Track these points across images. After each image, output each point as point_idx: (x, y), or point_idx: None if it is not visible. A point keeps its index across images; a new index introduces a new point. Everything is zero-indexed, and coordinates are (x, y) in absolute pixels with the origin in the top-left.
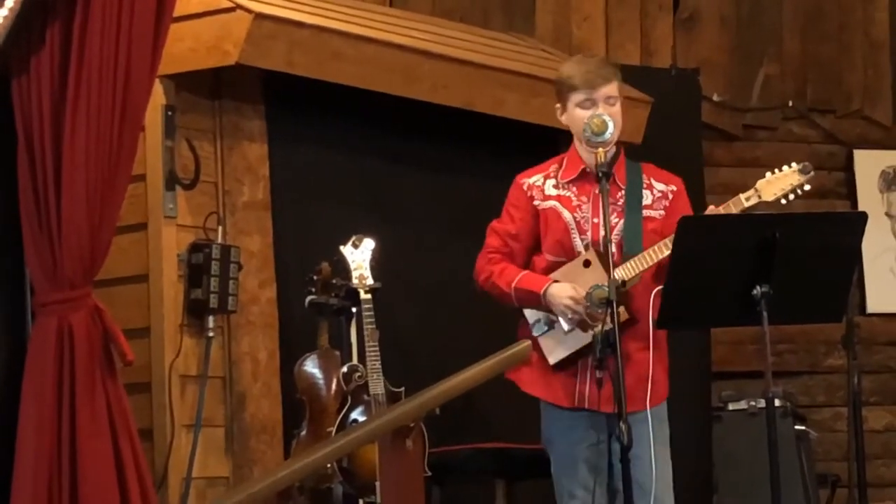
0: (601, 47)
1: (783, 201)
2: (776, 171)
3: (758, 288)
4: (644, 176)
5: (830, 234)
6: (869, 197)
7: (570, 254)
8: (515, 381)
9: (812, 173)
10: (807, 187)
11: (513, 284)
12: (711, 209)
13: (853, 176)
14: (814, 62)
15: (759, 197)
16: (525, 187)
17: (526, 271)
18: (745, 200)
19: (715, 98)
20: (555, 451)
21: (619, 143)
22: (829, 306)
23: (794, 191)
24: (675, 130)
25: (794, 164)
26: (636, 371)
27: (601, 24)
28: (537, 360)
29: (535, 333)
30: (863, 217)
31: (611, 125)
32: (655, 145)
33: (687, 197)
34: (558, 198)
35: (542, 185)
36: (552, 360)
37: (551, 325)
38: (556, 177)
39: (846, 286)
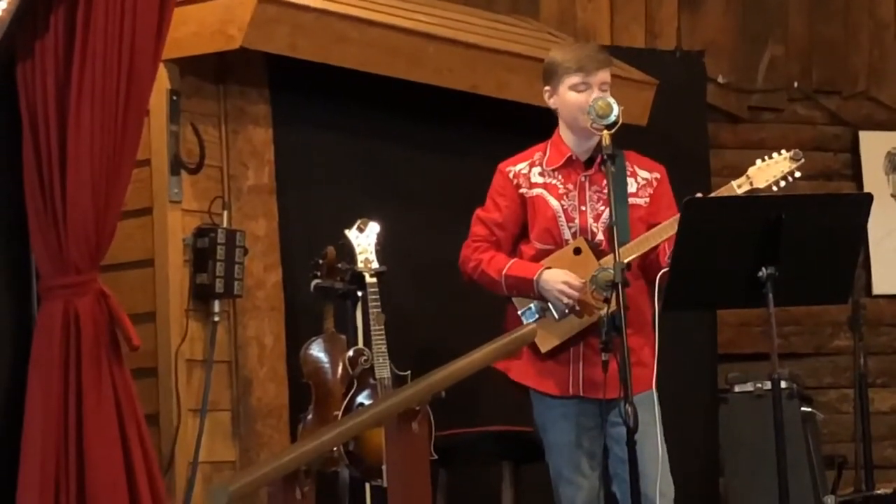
0: (606, 29)
1: (774, 188)
2: (767, 157)
3: (763, 270)
4: (628, 164)
5: (836, 216)
6: (875, 178)
7: (557, 242)
8: (505, 370)
9: (802, 160)
10: (797, 174)
11: (503, 272)
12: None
13: (859, 157)
14: (819, 43)
15: (751, 184)
16: (511, 175)
17: (515, 259)
18: (738, 188)
19: (720, 80)
20: (549, 438)
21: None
22: (835, 288)
23: (784, 177)
24: (680, 113)
25: (784, 151)
26: (630, 357)
27: (606, 6)
28: (526, 348)
29: (525, 321)
30: (868, 198)
31: (615, 108)
32: (661, 128)
33: (669, 184)
34: (545, 186)
35: (528, 172)
36: (544, 349)
37: (542, 312)
38: (541, 164)
39: (852, 268)
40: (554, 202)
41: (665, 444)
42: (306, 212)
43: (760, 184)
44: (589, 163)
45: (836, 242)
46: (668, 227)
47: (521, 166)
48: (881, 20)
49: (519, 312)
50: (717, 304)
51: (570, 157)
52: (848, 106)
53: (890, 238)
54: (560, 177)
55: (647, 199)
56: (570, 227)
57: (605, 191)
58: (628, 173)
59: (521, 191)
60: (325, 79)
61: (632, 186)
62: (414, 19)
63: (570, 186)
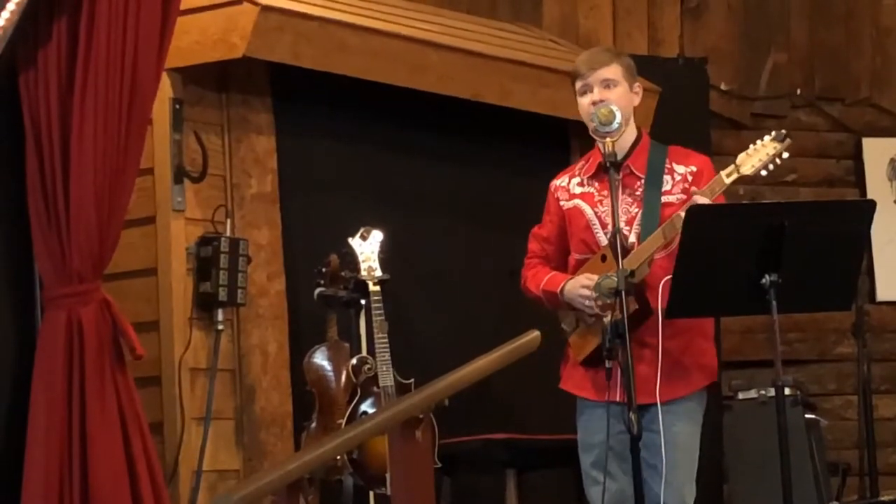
0: (608, 37)
1: (763, 172)
2: (756, 142)
3: (767, 277)
4: (667, 160)
5: (839, 223)
6: (878, 185)
7: (594, 250)
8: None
9: (788, 140)
10: (785, 155)
11: (540, 287)
12: (693, 190)
13: (862, 164)
14: (822, 50)
15: (739, 171)
16: (553, 189)
17: (553, 273)
18: (727, 177)
19: (723, 87)
20: (579, 438)
21: (640, 129)
22: (839, 294)
23: (772, 160)
24: (683, 120)
25: (773, 132)
26: (666, 362)
27: (608, 13)
28: (573, 357)
29: (565, 331)
30: (871, 205)
31: (618, 115)
32: (664, 135)
33: (712, 175)
34: (582, 195)
35: (567, 185)
36: (580, 357)
37: (577, 322)
38: (580, 174)
39: (855, 274)
40: (588, 211)
41: (695, 451)
42: (309, 220)
43: (748, 170)
44: (619, 166)
45: (839, 249)
46: (661, 233)
47: (562, 180)
48: (883, 27)
49: (562, 323)
50: (721, 311)
51: (601, 163)
52: (851, 113)
53: (893, 244)
54: (596, 184)
55: (682, 195)
56: (605, 234)
57: (638, 192)
58: (665, 170)
59: (561, 204)
60: (327, 87)
61: (667, 184)
62: (416, 27)
63: (605, 193)
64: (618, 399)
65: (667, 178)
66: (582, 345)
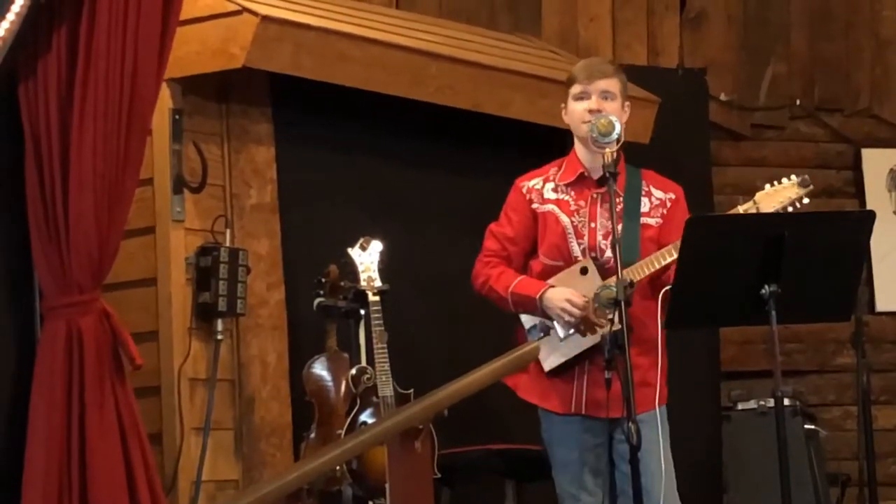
0: (608, 48)
1: None
2: (775, 182)
3: (766, 287)
4: (644, 182)
5: (838, 233)
6: (877, 195)
7: (566, 258)
8: (513, 387)
9: (811, 187)
10: (805, 200)
11: (510, 289)
12: (701, 215)
13: (861, 175)
14: (821, 61)
15: (758, 209)
16: (524, 190)
17: (523, 276)
18: (743, 212)
19: (722, 97)
20: (554, 455)
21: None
22: (838, 305)
23: (792, 203)
24: (682, 130)
25: (793, 177)
26: (636, 376)
27: (608, 24)
28: (533, 366)
29: (530, 339)
30: (871, 216)
31: (618, 126)
32: (663, 145)
33: (685, 205)
34: (557, 202)
35: (541, 188)
36: (547, 367)
37: (546, 331)
38: (554, 180)
39: (854, 285)
40: (564, 218)
41: (672, 463)
42: (309, 230)
43: (766, 209)
44: (602, 180)
45: (839, 260)
46: (669, 252)
47: (535, 182)
48: (883, 38)
49: (526, 329)
50: (720, 321)
51: (583, 173)
52: (850, 123)
53: (893, 255)
54: (572, 193)
55: (660, 220)
56: (579, 244)
57: (618, 209)
58: (643, 192)
59: (534, 206)
60: (327, 97)
61: (645, 206)
62: (416, 38)
63: (582, 203)
64: (591, 414)
65: (644, 199)
66: (549, 354)
